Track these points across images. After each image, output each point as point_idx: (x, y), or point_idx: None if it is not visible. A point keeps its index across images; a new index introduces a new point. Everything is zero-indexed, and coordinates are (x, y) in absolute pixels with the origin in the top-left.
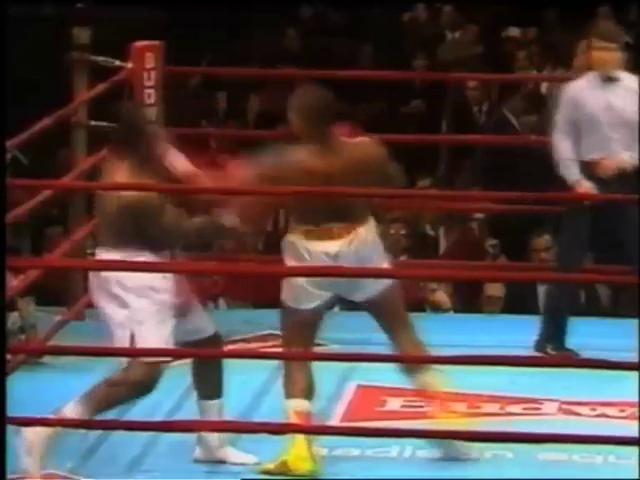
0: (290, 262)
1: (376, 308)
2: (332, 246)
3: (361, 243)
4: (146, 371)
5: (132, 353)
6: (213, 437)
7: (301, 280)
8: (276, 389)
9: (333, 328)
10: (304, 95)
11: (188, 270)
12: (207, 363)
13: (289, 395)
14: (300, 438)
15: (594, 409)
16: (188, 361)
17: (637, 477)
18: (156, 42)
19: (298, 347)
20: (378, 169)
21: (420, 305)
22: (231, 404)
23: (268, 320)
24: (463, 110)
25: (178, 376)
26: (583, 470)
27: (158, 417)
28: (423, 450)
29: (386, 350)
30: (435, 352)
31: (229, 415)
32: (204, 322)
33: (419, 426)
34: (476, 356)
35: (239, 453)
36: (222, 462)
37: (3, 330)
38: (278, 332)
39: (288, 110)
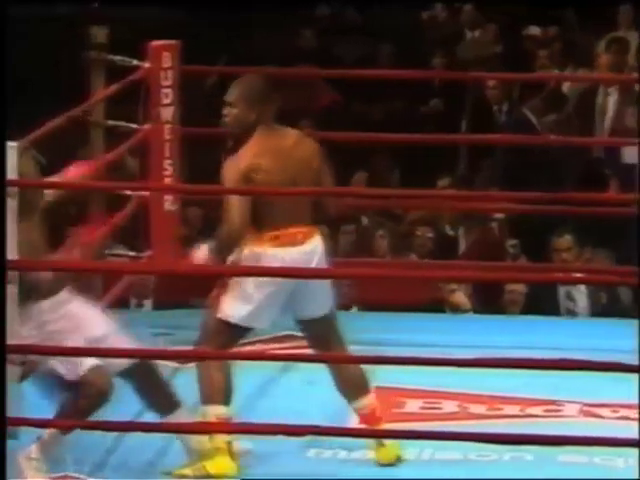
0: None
1: (317, 327)
2: (301, 251)
3: (321, 249)
4: (104, 380)
5: (137, 354)
6: (193, 439)
7: (260, 298)
8: (289, 390)
9: (352, 329)
10: (243, 84)
11: (198, 271)
12: (148, 383)
13: (209, 401)
14: (221, 442)
15: (616, 411)
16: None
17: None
18: (173, 41)
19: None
20: (317, 160)
21: (440, 306)
22: (246, 405)
23: (285, 321)
24: (483, 109)
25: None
26: (604, 473)
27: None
28: (442, 452)
29: (404, 351)
30: (455, 353)
31: (243, 417)
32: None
33: (438, 428)
34: (496, 359)
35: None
36: None
37: (3, 330)
38: (296, 333)
39: (230, 105)
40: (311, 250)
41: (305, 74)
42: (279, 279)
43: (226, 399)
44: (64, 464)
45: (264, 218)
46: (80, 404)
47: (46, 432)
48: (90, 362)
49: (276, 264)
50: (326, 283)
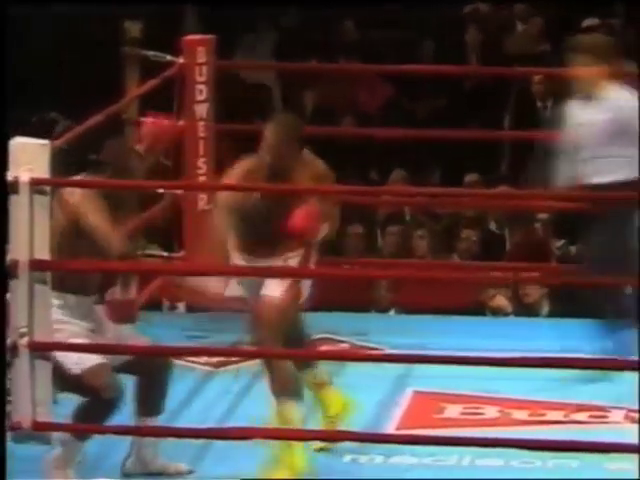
0: None
1: None
2: None
3: None
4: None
5: (145, 351)
6: (148, 449)
7: None
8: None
9: (391, 332)
10: (282, 126)
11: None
12: (152, 379)
13: (288, 395)
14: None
15: None
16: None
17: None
18: (208, 36)
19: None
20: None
21: (480, 309)
22: None
23: (323, 324)
24: (527, 105)
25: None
26: None
27: (210, 423)
28: (482, 459)
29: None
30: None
31: None
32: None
33: (478, 434)
34: (541, 358)
35: (172, 463)
36: (157, 474)
37: (3, 330)
38: (333, 336)
39: (270, 147)
40: None
41: (347, 69)
42: None
43: (301, 395)
44: (96, 469)
45: None
46: (87, 407)
47: (64, 438)
48: (91, 361)
49: None
50: None
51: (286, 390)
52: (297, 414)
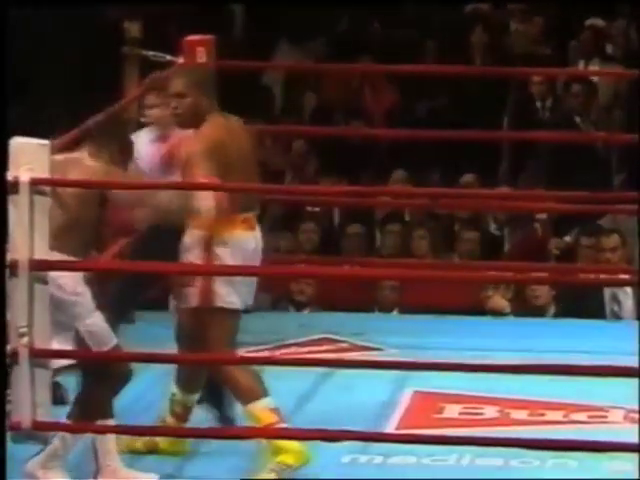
0: (232, 259)
1: None
2: (257, 236)
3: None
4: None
5: (142, 358)
6: (115, 458)
7: (240, 279)
8: (325, 395)
9: (391, 332)
10: (191, 72)
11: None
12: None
13: (250, 399)
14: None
15: None
16: None
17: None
18: (208, 36)
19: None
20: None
21: (481, 308)
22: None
23: (323, 324)
24: (526, 106)
25: None
26: None
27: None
28: (482, 458)
29: (445, 355)
30: (496, 357)
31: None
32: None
33: (478, 433)
34: (538, 365)
35: (139, 473)
36: None
37: (3, 330)
38: (333, 336)
39: (179, 95)
40: (260, 235)
41: (348, 69)
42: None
43: (264, 391)
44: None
45: (235, 203)
46: (100, 388)
47: (58, 435)
48: (111, 341)
49: (248, 247)
50: None
51: (248, 394)
52: (269, 410)
